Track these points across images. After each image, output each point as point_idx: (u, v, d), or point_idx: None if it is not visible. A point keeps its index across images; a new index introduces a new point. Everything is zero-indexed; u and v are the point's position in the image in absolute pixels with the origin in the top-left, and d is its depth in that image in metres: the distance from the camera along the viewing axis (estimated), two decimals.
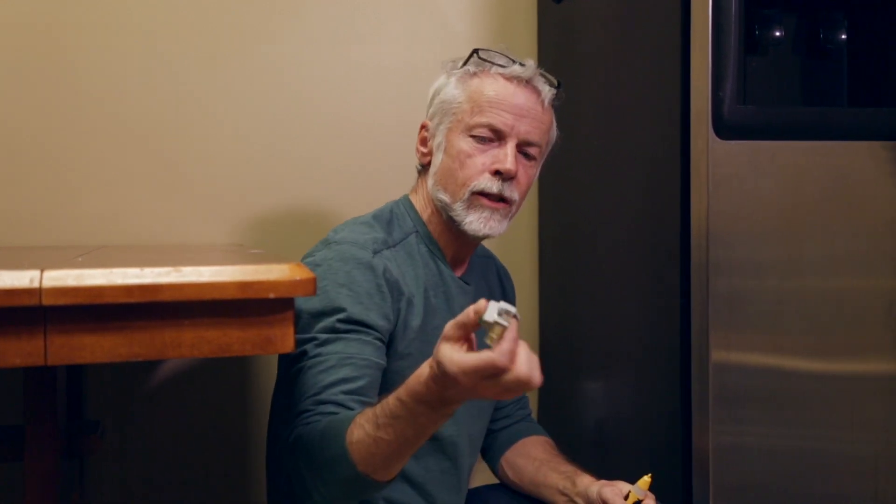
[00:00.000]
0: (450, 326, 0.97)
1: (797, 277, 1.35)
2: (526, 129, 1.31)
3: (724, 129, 1.31)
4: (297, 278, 0.90)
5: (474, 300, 1.38)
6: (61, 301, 0.82)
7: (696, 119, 1.33)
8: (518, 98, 1.31)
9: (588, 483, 1.32)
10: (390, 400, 1.02)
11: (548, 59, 1.91)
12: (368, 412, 1.05)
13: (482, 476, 1.60)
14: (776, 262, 1.34)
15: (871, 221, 1.37)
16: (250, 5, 1.83)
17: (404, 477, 1.32)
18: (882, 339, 1.38)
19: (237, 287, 0.88)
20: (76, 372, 1.66)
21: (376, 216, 1.36)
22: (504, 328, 0.93)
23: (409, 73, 1.89)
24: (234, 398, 1.84)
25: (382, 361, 1.24)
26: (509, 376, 0.91)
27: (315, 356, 1.21)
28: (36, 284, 0.82)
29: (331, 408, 1.15)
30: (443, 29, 1.93)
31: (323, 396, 1.17)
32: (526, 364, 0.92)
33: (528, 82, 1.32)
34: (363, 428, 1.04)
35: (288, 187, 1.85)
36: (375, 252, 1.27)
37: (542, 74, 1.34)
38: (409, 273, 1.31)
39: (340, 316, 1.21)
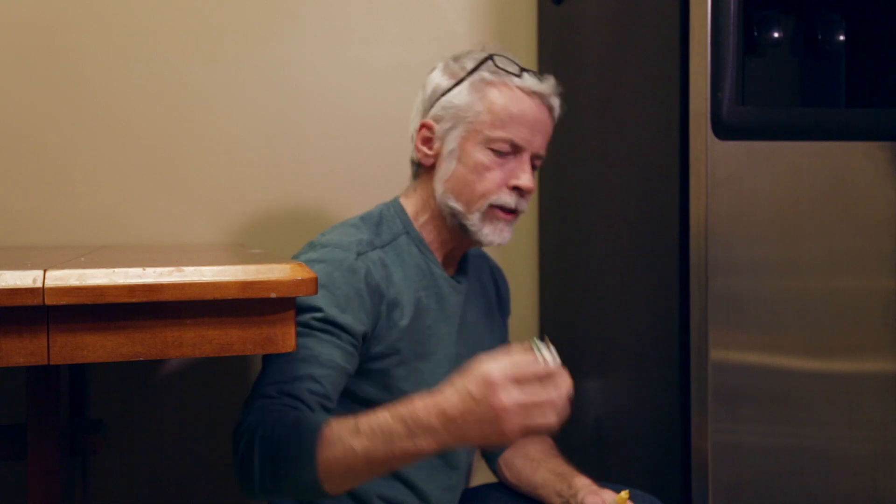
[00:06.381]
0: None
1: (795, 277, 1.36)
2: (539, 142, 1.33)
3: (723, 129, 1.32)
4: (299, 278, 0.91)
5: (467, 299, 1.40)
6: (64, 301, 0.83)
7: (694, 120, 1.34)
8: (536, 114, 1.32)
9: (582, 486, 1.32)
10: (379, 412, 1.02)
11: (547, 60, 1.91)
12: (349, 420, 1.04)
13: (482, 475, 1.61)
14: (775, 261, 1.35)
15: (869, 221, 1.38)
16: (250, 5, 1.84)
17: (394, 474, 1.32)
18: (880, 339, 1.39)
19: (239, 287, 0.88)
20: (79, 371, 1.66)
21: (364, 218, 1.36)
22: None
23: (409, 74, 1.89)
24: (236, 397, 1.84)
25: (349, 367, 1.23)
26: (556, 384, 0.98)
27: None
28: (39, 284, 0.82)
29: (297, 403, 1.14)
30: (442, 30, 1.93)
31: (288, 388, 1.15)
32: (568, 382, 0.99)
33: (544, 97, 1.33)
34: (338, 434, 1.03)
35: (289, 187, 1.85)
36: (360, 254, 1.27)
37: (558, 90, 1.35)
38: (398, 273, 1.31)
39: (316, 315, 1.21)
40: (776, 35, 1.40)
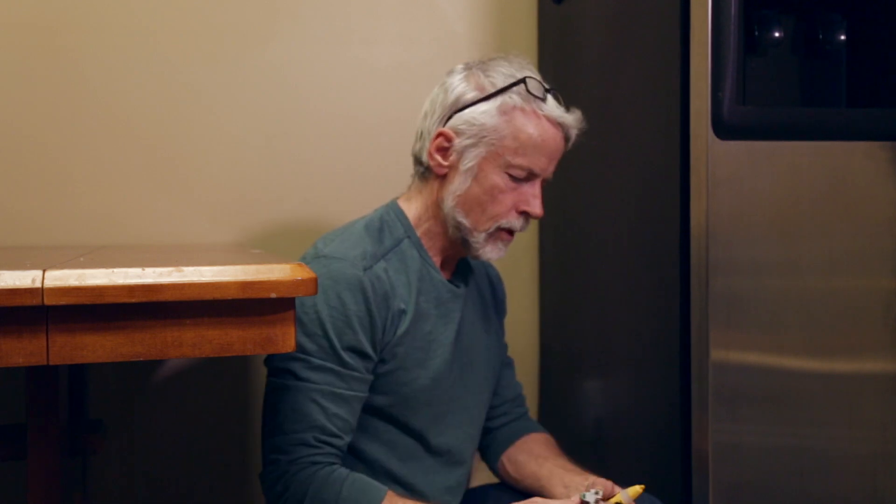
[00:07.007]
0: None
1: (796, 277, 1.36)
2: (552, 168, 1.34)
3: (724, 129, 1.32)
4: (299, 278, 0.91)
5: (465, 303, 1.41)
6: (63, 301, 0.83)
7: (695, 119, 1.34)
8: (558, 144, 1.32)
9: (595, 479, 1.32)
10: None
11: (547, 60, 1.91)
12: None
13: (482, 475, 1.61)
14: (775, 261, 1.35)
15: (869, 221, 1.38)
16: (250, 5, 1.84)
17: (393, 478, 1.33)
18: (880, 339, 1.39)
19: (239, 287, 0.88)
20: (78, 371, 1.66)
21: (367, 226, 1.35)
22: None
23: (409, 74, 1.90)
24: (236, 397, 1.84)
25: (367, 391, 1.30)
26: None
27: (306, 380, 1.25)
28: (38, 284, 0.82)
29: (332, 451, 1.24)
30: (442, 30, 1.93)
31: (324, 437, 1.23)
32: None
33: (567, 128, 1.33)
34: None
35: (289, 187, 1.85)
36: (366, 269, 1.27)
37: (582, 125, 1.35)
38: (401, 280, 1.32)
39: (333, 343, 1.25)
40: (776, 35, 1.40)
